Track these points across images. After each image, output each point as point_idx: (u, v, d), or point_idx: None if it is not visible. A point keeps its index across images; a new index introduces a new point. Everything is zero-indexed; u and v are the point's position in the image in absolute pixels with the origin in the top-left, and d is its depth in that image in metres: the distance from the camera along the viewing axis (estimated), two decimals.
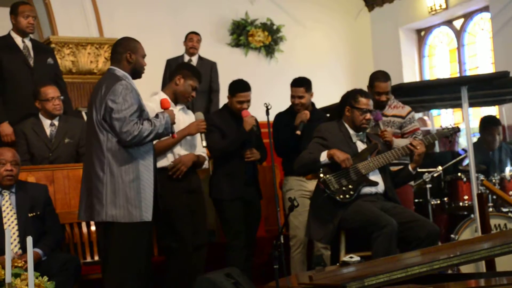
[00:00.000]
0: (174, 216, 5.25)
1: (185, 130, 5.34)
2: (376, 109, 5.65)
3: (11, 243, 4.97)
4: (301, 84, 6.09)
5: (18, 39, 6.54)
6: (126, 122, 4.43)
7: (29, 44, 6.60)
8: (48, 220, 5.28)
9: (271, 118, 5.78)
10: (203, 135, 5.37)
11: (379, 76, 5.95)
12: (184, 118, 5.45)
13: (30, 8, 6.64)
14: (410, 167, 5.42)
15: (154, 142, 4.85)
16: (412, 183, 6.07)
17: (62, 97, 6.27)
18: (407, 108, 5.97)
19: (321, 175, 5.22)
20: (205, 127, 5.39)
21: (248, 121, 5.70)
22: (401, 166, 5.57)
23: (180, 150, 5.37)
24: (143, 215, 4.49)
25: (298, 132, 5.91)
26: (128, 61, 4.67)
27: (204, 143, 5.36)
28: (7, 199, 5.15)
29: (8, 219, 5.09)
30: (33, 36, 6.74)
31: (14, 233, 5.04)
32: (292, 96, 6.10)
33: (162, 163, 5.27)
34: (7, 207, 5.13)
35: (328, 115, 6.46)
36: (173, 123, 4.73)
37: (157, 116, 4.64)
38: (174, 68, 5.48)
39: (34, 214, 5.17)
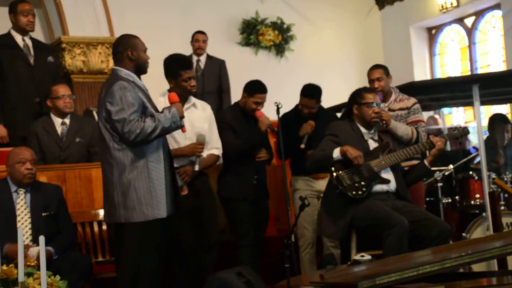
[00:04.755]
0: (191, 217, 5.23)
1: (180, 149, 5.22)
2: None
3: (23, 241, 5.00)
4: (313, 95, 6.02)
5: (18, 38, 6.56)
6: (126, 122, 4.38)
7: (29, 42, 6.61)
8: (61, 220, 5.31)
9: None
10: (198, 159, 5.23)
11: (371, 67, 6.07)
12: (195, 114, 5.38)
13: (30, 6, 6.63)
14: (426, 162, 5.41)
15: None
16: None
17: (74, 96, 6.29)
18: (413, 100, 5.92)
19: (334, 171, 5.22)
20: (201, 151, 5.26)
21: (263, 121, 5.69)
22: (413, 162, 5.57)
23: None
24: (154, 213, 4.46)
25: (302, 146, 5.86)
26: (130, 58, 4.62)
27: (197, 167, 5.21)
28: (22, 198, 5.19)
29: (22, 218, 5.14)
30: (44, 36, 6.77)
31: (26, 232, 5.08)
32: (302, 105, 6.05)
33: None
34: (22, 206, 5.17)
35: (338, 114, 6.47)
36: (182, 117, 4.63)
37: (162, 111, 4.56)
38: (165, 71, 5.34)
39: (47, 213, 5.20)
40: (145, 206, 4.45)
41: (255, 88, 5.81)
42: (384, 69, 5.98)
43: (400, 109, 5.87)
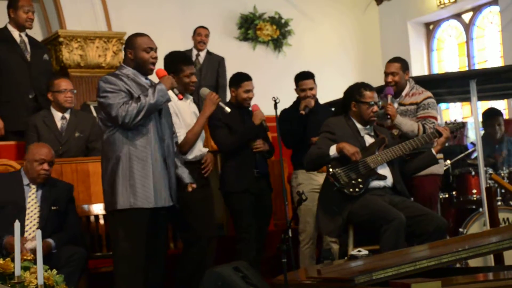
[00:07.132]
0: (190, 210, 5.25)
1: (205, 111, 5.38)
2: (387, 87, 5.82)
3: (30, 234, 5.05)
4: (309, 76, 6.13)
5: (15, 33, 6.53)
6: (113, 108, 4.53)
7: (25, 38, 6.60)
8: (68, 217, 5.33)
9: (279, 112, 5.78)
10: (221, 103, 5.42)
11: (390, 59, 6.04)
12: (193, 106, 5.50)
13: (30, 2, 6.60)
14: (433, 150, 5.39)
15: (181, 133, 5.17)
16: (440, 171, 5.98)
17: (75, 91, 6.30)
18: (425, 94, 5.86)
19: (330, 169, 5.22)
20: (218, 96, 5.44)
21: (258, 115, 5.72)
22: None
23: (199, 144, 5.42)
24: (131, 202, 4.54)
25: (302, 112, 5.93)
26: (130, 58, 4.74)
27: (228, 109, 5.41)
28: (33, 191, 5.22)
29: (32, 211, 5.16)
30: (41, 30, 6.75)
31: (34, 225, 5.10)
32: (303, 90, 6.09)
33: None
34: (32, 199, 5.19)
35: (333, 109, 6.47)
36: (171, 88, 4.71)
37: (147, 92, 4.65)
38: (165, 67, 5.37)
39: (55, 208, 5.23)
40: (122, 194, 4.55)
41: (239, 78, 5.88)
42: (402, 63, 5.94)
43: (411, 104, 5.83)
